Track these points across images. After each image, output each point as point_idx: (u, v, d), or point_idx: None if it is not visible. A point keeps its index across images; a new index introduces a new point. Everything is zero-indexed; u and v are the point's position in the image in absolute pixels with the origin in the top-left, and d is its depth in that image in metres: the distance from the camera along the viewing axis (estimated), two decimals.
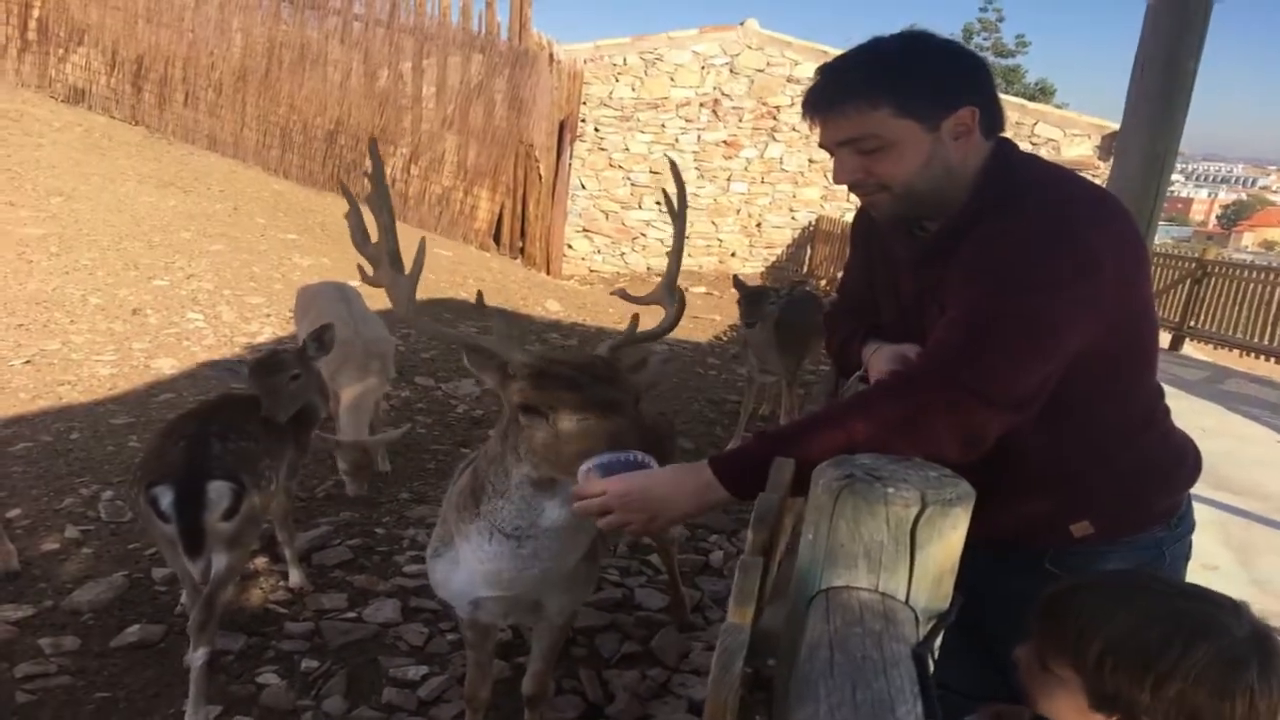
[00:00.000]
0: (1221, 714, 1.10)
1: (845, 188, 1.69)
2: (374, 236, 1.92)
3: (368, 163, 1.91)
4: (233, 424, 2.92)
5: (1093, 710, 1.18)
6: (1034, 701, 1.27)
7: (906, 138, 1.53)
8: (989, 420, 1.42)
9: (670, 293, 2.09)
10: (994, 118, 1.60)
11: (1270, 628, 1.16)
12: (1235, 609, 1.17)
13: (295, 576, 3.58)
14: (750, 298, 5.39)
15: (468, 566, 2.04)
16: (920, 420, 1.40)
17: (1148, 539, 1.67)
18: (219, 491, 2.67)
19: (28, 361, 6.08)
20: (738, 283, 5.55)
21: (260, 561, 3.77)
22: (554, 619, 2.31)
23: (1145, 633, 1.14)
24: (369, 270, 1.92)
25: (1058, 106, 16.63)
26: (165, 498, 2.62)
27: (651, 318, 2.05)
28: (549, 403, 1.72)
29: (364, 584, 3.67)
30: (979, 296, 1.47)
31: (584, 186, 14.92)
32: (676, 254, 2.11)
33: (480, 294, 1.96)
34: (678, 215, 2.11)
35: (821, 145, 1.64)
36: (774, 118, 14.78)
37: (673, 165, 2.22)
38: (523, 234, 12.66)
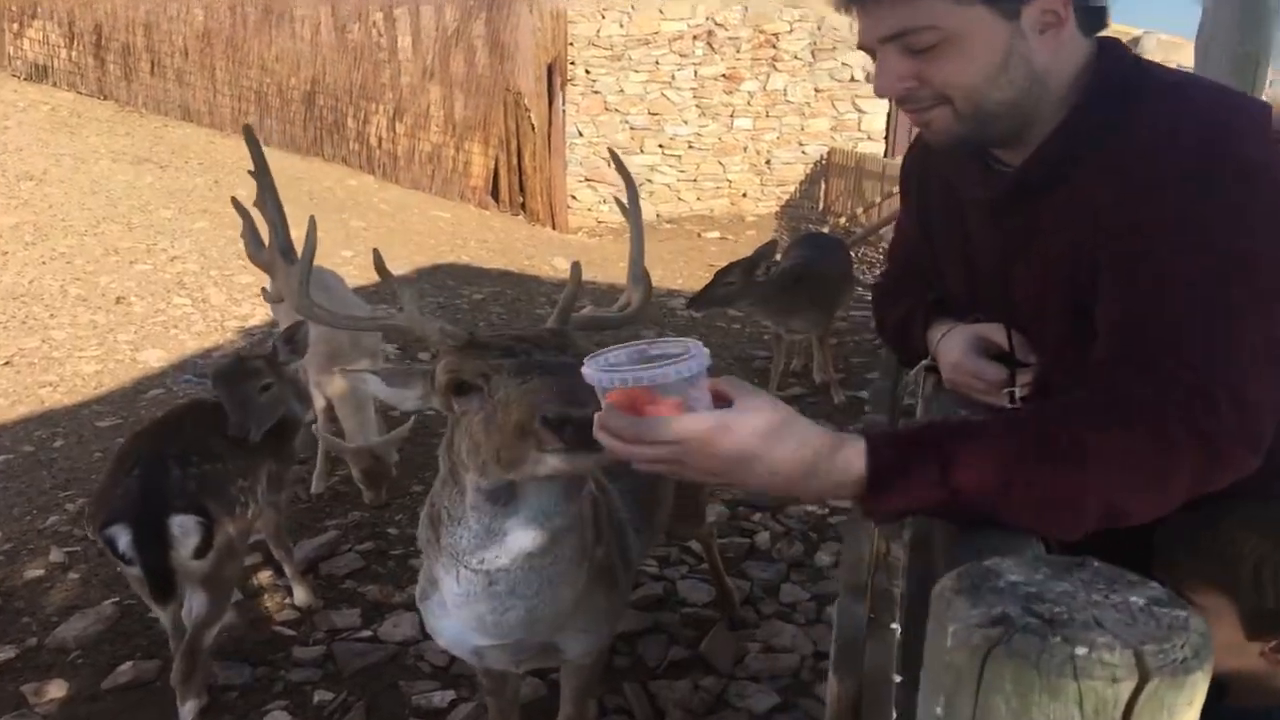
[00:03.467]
0: None
1: (884, 102, 1.27)
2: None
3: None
4: (195, 443, 2.57)
5: (1251, 637, 1.13)
6: None
7: (974, 29, 1.13)
8: (1235, 465, 1.01)
9: (636, 280, 1.88)
10: (1094, 9, 1.20)
11: None
12: None
13: (301, 594, 3.25)
14: (716, 274, 4.82)
15: (452, 613, 1.69)
16: (1171, 470, 0.99)
17: None
18: (184, 527, 2.33)
19: (6, 363, 5.77)
20: (763, 251, 4.85)
21: (264, 576, 3.45)
22: (579, 660, 1.95)
23: None
24: (270, 289, 1.72)
25: None
26: (122, 538, 2.27)
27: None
28: (482, 370, 1.39)
29: (378, 595, 3.34)
30: (1186, 264, 1.05)
31: (581, 134, 14.34)
32: (637, 240, 1.93)
33: (376, 252, 1.76)
34: (631, 208, 1.97)
35: (861, 45, 1.24)
36: (773, 46, 14.09)
37: (614, 155, 2.13)
38: (522, 188, 12.16)
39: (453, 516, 1.55)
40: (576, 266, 1.82)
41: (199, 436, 2.61)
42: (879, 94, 1.24)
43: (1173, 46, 11.64)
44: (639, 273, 1.86)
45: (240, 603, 3.24)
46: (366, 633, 3.12)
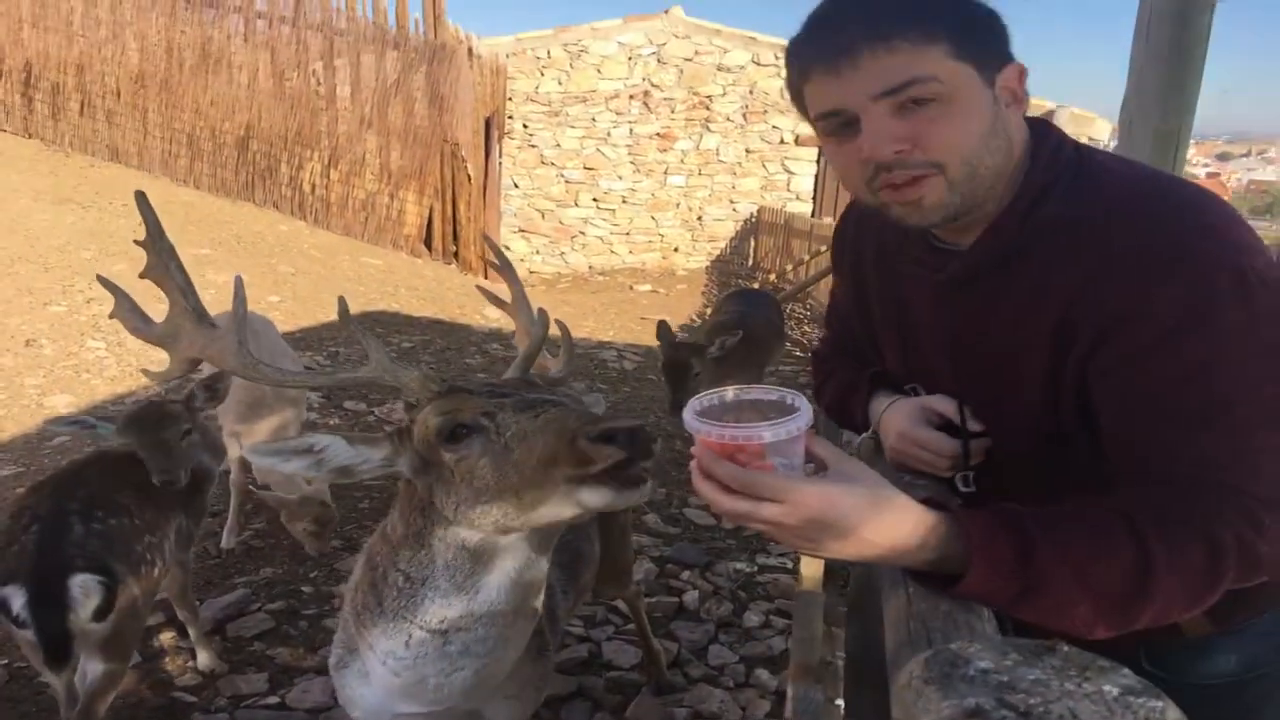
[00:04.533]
0: None
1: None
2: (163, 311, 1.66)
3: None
4: (98, 497, 2.41)
5: None
6: None
7: (968, 88, 1.12)
8: (1268, 575, 1.05)
9: (543, 352, 1.85)
10: (1026, 91, 1.21)
11: None
12: None
13: (204, 658, 3.07)
14: (672, 372, 4.71)
15: (380, 680, 1.59)
16: (1217, 585, 1.02)
17: (1271, 621, 1.30)
18: (85, 587, 2.17)
19: None
20: (662, 334, 4.90)
21: (166, 637, 3.25)
22: None
23: None
24: (159, 367, 1.68)
25: None
26: (17, 600, 2.11)
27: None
28: (485, 408, 1.34)
29: (288, 659, 3.17)
30: (1195, 354, 1.06)
31: (517, 185, 14.47)
32: (540, 326, 1.86)
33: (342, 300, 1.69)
34: (516, 294, 1.97)
35: (828, 113, 1.17)
36: (707, 107, 14.45)
37: (491, 243, 2.16)
38: (455, 238, 12.09)
39: (412, 579, 1.47)
40: (542, 314, 1.78)
41: (103, 490, 2.46)
42: (874, 156, 1.14)
43: (1085, 120, 12.19)
44: (537, 349, 1.81)
45: (139, 665, 3.05)
46: (274, 699, 2.96)
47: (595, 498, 1.26)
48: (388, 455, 1.47)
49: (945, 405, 1.36)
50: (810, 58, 1.17)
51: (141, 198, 1.65)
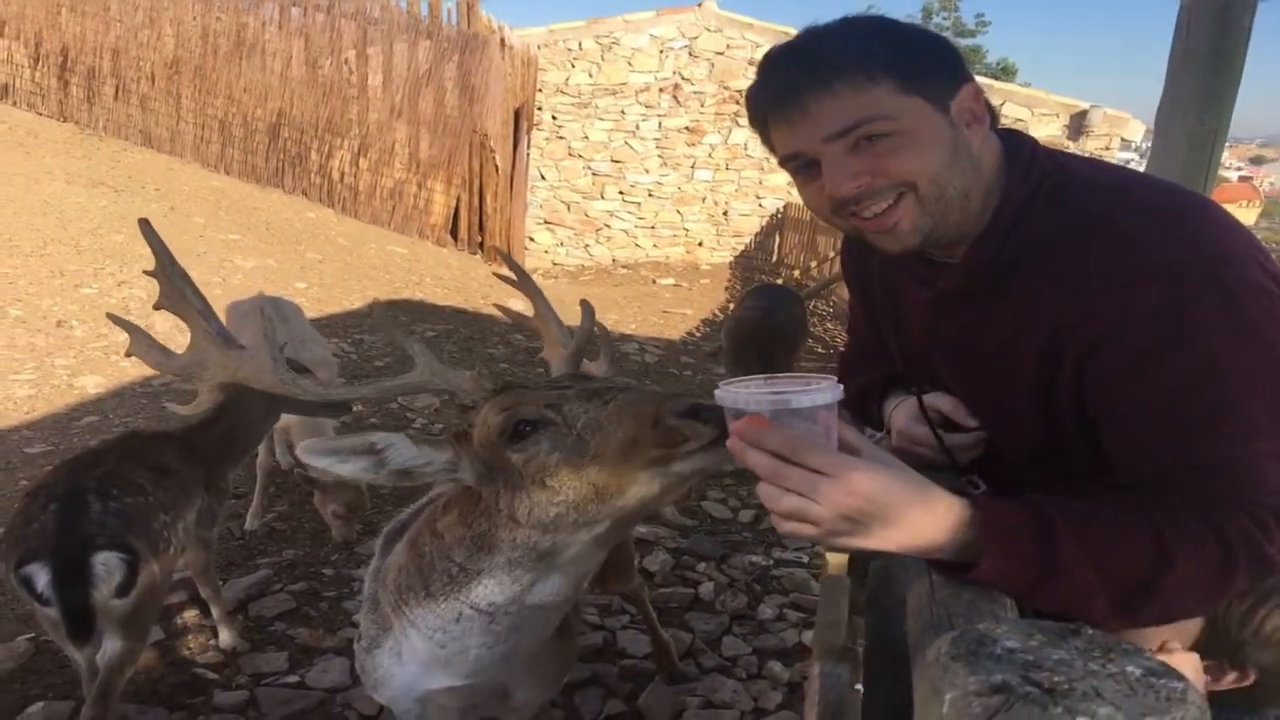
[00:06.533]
0: None
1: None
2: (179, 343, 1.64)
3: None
4: (115, 476, 2.44)
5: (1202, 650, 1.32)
6: None
7: (920, 120, 1.15)
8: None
9: (589, 359, 1.80)
10: (990, 105, 1.24)
11: None
12: None
13: (226, 636, 3.12)
14: None
15: (416, 656, 1.60)
16: (1230, 584, 1.04)
17: None
18: (108, 564, 2.20)
19: None
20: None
21: (189, 615, 3.31)
22: (523, 712, 1.88)
23: None
24: (183, 406, 1.66)
25: (1022, 85, 16.43)
26: (41, 578, 2.14)
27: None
28: (548, 401, 1.31)
29: (308, 639, 3.21)
30: (1197, 360, 1.07)
31: (543, 177, 14.48)
32: (564, 330, 1.86)
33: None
34: (534, 293, 1.96)
35: (789, 157, 1.22)
36: (736, 102, 14.38)
37: (508, 258, 2.20)
38: (481, 228, 12.12)
39: (467, 570, 1.45)
40: (587, 306, 1.74)
41: (119, 469, 2.49)
42: (836, 194, 1.18)
43: (1119, 121, 12.00)
44: (584, 341, 1.79)
45: (161, 642, 3.11)
46: (293, 678, 3.00)
47: (688, 465, 1.20)
48: (451, 459, 1.41)
49: (941, 402, 1.40)
50: (765, 107, 1.22)
51: (146, 226, 1.57)
